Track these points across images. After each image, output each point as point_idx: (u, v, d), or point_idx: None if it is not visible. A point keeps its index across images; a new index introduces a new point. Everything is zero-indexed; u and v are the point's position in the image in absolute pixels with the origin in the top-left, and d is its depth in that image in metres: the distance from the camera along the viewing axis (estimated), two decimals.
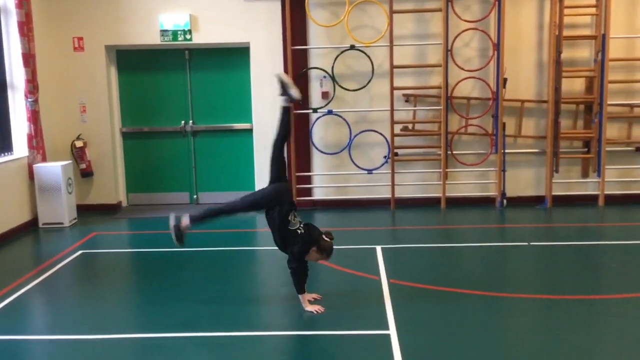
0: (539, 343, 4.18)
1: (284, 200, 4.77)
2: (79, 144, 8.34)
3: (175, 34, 8.23)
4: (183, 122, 8.71)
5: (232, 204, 4.96)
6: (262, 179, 8.51)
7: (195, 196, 8.87)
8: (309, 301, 4.80)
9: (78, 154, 8.34)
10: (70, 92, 8.36)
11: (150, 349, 4.23)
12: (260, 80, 8.32)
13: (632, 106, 8.11)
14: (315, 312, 4.66)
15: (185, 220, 4.89)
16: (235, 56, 8.54)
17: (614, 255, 6.07)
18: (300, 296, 4.75)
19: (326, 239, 4.73)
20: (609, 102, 7.90)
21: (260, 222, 8.01)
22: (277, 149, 4.96)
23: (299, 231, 4.72)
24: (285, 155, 8.30)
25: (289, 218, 4.72)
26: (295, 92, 5.03)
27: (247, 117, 8.60)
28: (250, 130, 8.58)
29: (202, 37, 8.25)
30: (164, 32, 8.23)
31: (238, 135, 8.72)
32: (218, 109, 8.70)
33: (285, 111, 5.08)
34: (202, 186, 8.87)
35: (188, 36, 8.24)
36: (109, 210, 8.46)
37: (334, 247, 4.79)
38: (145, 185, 8.89)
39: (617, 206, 8.00)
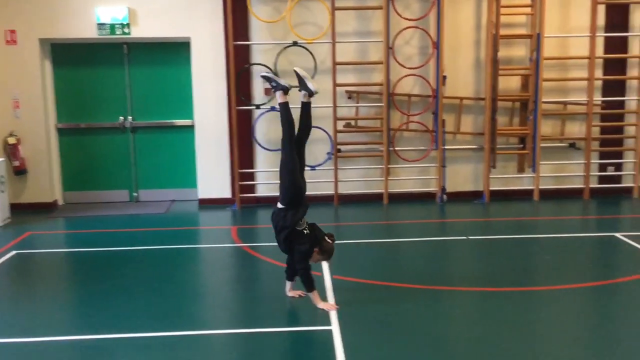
0: (478, 334, 4.30)
1: (305, 202, 4.75)
2: (11, 140, 8.03)
3: (113, 27, 8.02)
4: (122, 118, 8.51)
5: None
6: (204, 176, 8.43)
7: (135, 194, 8.68)
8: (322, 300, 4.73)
9: (11, 151, 8.03)
10: (2, 87, 8.03)
11: (87, 350, 4.13)
12: (201, 76, 8.22)
13: (565, 103, 8.41)
14: (328, 310, 4.60)
15: None
16: (175, 51, 8.39)
17: (548, 248, 6.29)
18: (311, 294, 4.67)
19: (328, 240, 4.71)
20: (543, 100, 8.17)
21: (202, 220, 7.94)
22: (300, 146, 4.90)
23: (305, 232, 4.68)
24: (228, 152, 8.31)
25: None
26: (313, 86, 4.87)
27: (188, 114, 8.47)
28: (191, 127, 8.46)
29: (142, 31, 8.07)
30: (101, 26, 8.00)
31: (179, 131, 8.58)
32: (158, 105, 8.54)
33: (306, 106, 4.93)
34: (142, 183, 8.69)
35: (126, 30, 8.04)
36: (45, 209, 8.18)
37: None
38: (83, 183, 8.64)
39: (551, 200, 8.29)
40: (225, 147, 8.34)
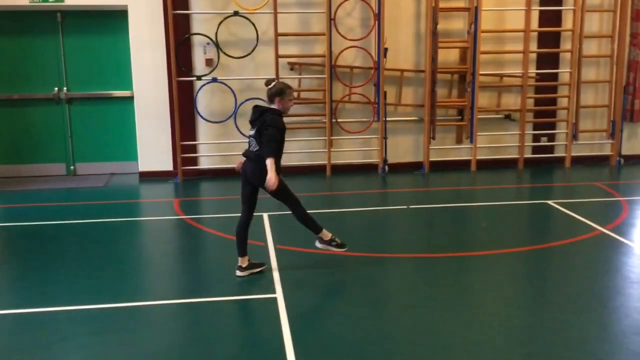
0: (419, 298, 4.45)
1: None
2: None
3: None
4: (56, 88, 8.23)
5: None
6: (144, 149, 8.28)
7: (72, 167, 8.44)
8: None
9: None
10: None
11: (26, 324, 4.05)
12: (139, 46, 8.02)
13: (501, 76, 8.64)
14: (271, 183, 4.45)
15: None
16: (112, 20, 8.13)
17: (484, 216, 6.51)
18: (267, 160, 4.47)
19: (272, 85, 4.64)
20: (480, 72, 8.37)
21: (143, 193, 7.82)
22: None
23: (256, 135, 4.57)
24: (169, 124, 8.17)
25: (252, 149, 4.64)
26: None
27: (127, 85, 8.26)
28: (130, 98, 8.26)
29: None
30: None
31: (118, 103, 8.37)
32: (95, 76, 8.29)
33: None
34: (79, 157, 8.46)
35: None
36: None
37: None
38: (16, 156, 8.33)
39: (487, 170, 8.55)
40: (166, 118, 8.20)
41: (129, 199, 7.46)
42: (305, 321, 4.03)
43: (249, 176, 4.68)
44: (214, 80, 8.00)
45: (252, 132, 4.68)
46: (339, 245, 4.91)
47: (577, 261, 5.10)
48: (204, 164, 8.40)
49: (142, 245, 5.95)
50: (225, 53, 7.97)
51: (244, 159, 4.77)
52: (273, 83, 4.72)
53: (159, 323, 4.13)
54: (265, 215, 6.33)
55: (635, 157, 9.02)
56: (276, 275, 4.76)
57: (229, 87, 8.05)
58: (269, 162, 4.45)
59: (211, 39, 7.94)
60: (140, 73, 8.08)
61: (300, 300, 4.34)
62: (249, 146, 4.72)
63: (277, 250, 5.32)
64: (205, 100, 8.22)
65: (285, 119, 8.19)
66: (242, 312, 4.22)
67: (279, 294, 4.39)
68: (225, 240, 5.69)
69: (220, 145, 8.35)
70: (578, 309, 4.20)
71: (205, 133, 8.33)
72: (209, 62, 8.10)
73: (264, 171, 4.48)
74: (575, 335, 3.84)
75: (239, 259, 4.79)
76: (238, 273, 4.77)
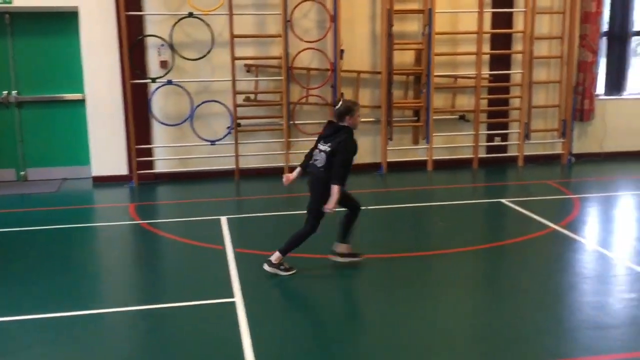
0: (379, 298, 4.47)
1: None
2: None
3: None
4: (5, 92, 7.98)
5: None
6: (98, 153, 8.12)
7: (23, 172, 8.20)
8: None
9: None
10: None
11: None
12: (91, 48, 7.85)
13: (455, 77, 8.78)
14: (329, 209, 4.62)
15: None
16: (62, 21, 7.94)
17: (442, 215, 6.60)
18: (332, 188, 4.61)
19: (340, 105, 4.72)
20: (435, 74, 8.48)
21: (98, 198, 7.66)
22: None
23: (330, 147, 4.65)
24: (123, 127, 8.02)
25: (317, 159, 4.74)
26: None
27: (79, 88, 8.07)
28: (82, 101, 8.07)
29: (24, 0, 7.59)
30: None
31: (69, 106, 8.16)
32: (46, 79, 8.07)
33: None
34: (30, 162, 8.22)
35: None
36: None
37: None
38: None
39: (444, 170, 8.67)
40: (120, 122, 8.04)
41: (83, 205, 7.30)
42: (265, 325, 4.00)
43: (310, 188, 4.81)
44: (169, 82, 7.89)
45: (323, 147, 4.70)
46: (286, 270, 4.84)
47: (531, 258, 5.22)
48: (160, 167, 8.27)
49: (97, 251, 5.82)
50: (180, 55, 7.87)
51: (293, 172, 4.94)
52: (340, 102, 4.79)
53: (115, 331, 4.04)
54: (223, 219, 6.27)
55: (585, 155, 9.28)
56: (235, 279, 4.72)
57: (184, 89, 7.95)
58: (336, 190, 4.59)
59: (165, 41, 7.83)
60: (93, 75, 7.91)
61: (260, 304, 4.31)
62: (313, 159, 4.78)
63: (236, 254, 5.27)
64: (161, 102, 8.10)
65: (243, 121, 8.25)
66: (201, 317, 4.16)
67: (237, 299, 4.35)
68: (182, 245, 5.62)
69: (176, 149, 8.24)
70: (533, 305, 4.29)
71: (160, 136, 8.20)
72: (163, 64, 7.98)
73: (325, 191, 4.63)
74: (531, 330, 3.92)
75: (336, 244, 4.98)
76: (338, 259, 4.99)
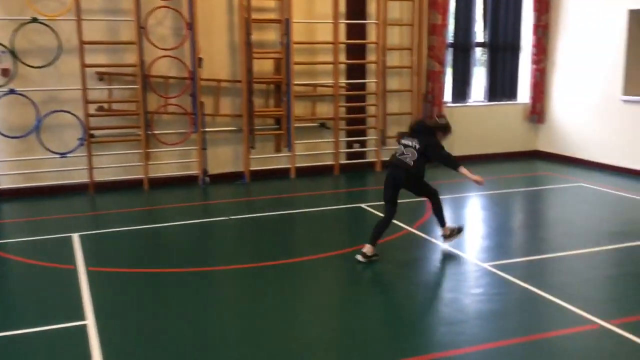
0: (245, 310, 4.42)
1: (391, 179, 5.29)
2: None
3: None
4: None
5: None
6: None
7: None
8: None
9: None
10: None
11: None
12: None
13: (314, 86, 8.95)
14: (481, 181, 5.13)
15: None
16: None
17: (305, 222, 6.68)
18: (460, 170, 5.11)
19: (440, 120, 5.39)
20: (295, 82, 8.59)
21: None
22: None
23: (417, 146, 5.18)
24: None
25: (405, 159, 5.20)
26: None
27: None
28: None
29: None
30: None
31: None
32: None
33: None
34: None
35: None
36: None
37: None
38: None
39: (306, 177, 8.80)
40: None
41: None
42: (120, 348, 3.80)
43: (401, 181, 5.24)
44: (12, 92, 7.33)
45: (411, 143, 5.19)
46: (459, 231, 5.61)
47: (389, 258, 5.40)
48: (4, 183, 7.65)
49: None
50: (23, 62, 7.34)
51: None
52: (443, 118, 5.46)
53: None
54: (75, 236, 5.91)
55: None
56: (87, 300, 4.45)
57: (29, 99, 7.42)
58: (464, 170, 5.10)
59: (6, 47, 7.27)
60: None
61: (115, 325, 4.09)
62: (403, 154, 5.21)
63: (88, 273, 4.98)
64: (3, 113, 7.50)
65: (97, 132, 7.84)
66: (48, 344, 3.86)
67: (89, 321, 4.10)
68: (28, 267, 5.22)
69: (22, 163, 7.66)
70: (391, 306, 4.44)
71: (3, 149, 7.59)
72: (5, 72, 7.41)
73: (419, 177, 5.28)
74: (388, 332, 4.06)
75: (367, 245, 5.22)
76: (359, 258, 5.19)
